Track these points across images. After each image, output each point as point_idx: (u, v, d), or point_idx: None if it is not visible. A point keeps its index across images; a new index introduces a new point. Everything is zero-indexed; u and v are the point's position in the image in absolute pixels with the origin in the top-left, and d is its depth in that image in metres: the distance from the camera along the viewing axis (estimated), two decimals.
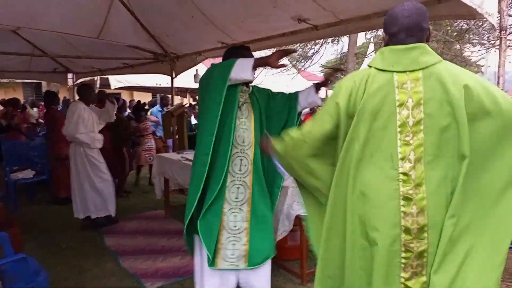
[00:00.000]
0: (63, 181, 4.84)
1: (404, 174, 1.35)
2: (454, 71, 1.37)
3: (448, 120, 1.33)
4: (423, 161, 1.34)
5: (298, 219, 2.82)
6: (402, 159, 1.35)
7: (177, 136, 5.54)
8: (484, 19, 2.41)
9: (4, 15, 3.77)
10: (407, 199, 1.34)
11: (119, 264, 3.19)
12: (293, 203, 2.89)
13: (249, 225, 2.17)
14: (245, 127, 2.24)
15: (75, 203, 4.06)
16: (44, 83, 13.22)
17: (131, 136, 5.79)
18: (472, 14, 2.44)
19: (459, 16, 2.87)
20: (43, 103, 8.59)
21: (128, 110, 8.42)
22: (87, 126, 4.04)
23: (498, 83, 2.41)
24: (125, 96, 12.43)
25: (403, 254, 1.35)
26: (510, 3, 6.95)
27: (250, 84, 2.32)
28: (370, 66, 1.45)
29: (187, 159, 3.90)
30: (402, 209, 1.34)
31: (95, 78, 8.77)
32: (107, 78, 8.86)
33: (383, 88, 1.38)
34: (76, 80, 8.16)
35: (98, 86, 9.15)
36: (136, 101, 11.18)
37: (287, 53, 2.19)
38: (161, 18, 4.30)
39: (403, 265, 1.35)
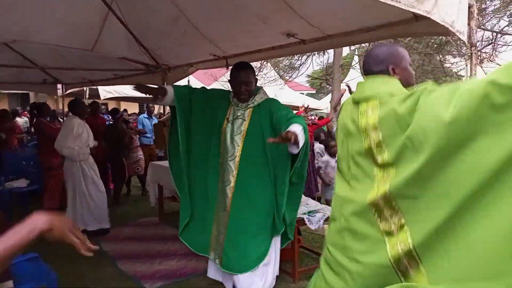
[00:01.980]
0: (52, 192, 4.93)
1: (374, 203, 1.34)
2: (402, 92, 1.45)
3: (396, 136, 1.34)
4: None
5: None
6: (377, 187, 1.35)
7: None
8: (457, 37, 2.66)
9: (1, 29, 3.89)
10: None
11: (117, 267, 3.31)
12: None
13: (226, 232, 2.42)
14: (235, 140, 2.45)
15: (68, 215, 4.15)
16: (31, 94, 13.18)
17: (129, 145, 5.92)
18: (446, 32, 2.70)
19: (435, 33, 3.14)
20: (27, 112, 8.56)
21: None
22: (81, 140, 4.17)
23: None
24: (112, 105, 12.46)
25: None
26: (481, 20, 7.37)
27: (264, 96, 2.52)
28: (352, 97, 1.60)
29: None
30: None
31: (84, 88, 8.84)
32: (96, 89, 8.95)
33: (353, 116, 1.51)
34: (65, 91, 8.23)
35: (87, 96, 9.22)
36: (123, 110, 11.24)
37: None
38: (155, 32, 4.47)
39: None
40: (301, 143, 2.13)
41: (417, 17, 2.84)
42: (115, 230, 4.32)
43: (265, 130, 2.40)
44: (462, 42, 2.77)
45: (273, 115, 2.40)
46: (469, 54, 2.79)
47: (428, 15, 2.45)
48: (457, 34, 2.56)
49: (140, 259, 3.49)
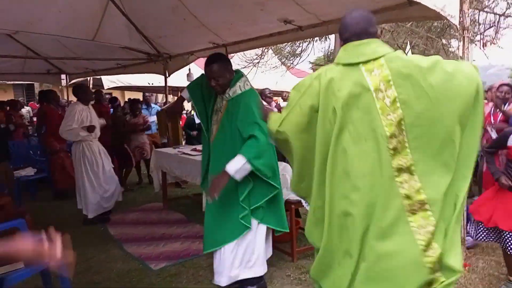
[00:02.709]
0: (59, 175, 5.10)
1: (393, 148, 1.51)
2: (406, 56, 1.61)
3: (415, 93, 1.50)
4: (404, 132, 1.51)
5: (289, 204, 3.11)
6: (390, 136, 1.51)
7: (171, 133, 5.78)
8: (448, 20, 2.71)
9: (3, 19, 3.97)
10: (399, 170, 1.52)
11: (123, 250, 3.45)
12: (283, 189, 3.18)
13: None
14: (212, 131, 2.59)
15: (78, 196, 4.28)
16: (36, 84, 13.31)
17: (130, 131, 6.02)
18: (438, 16, 2.75)
19: (428, 17, 3.17)
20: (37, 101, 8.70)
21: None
22: (84, 125, 4.22)
23: None
24: (116, 95, 12.57)
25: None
26: (480, 4, 7.31)
27: (238, 91, 2.49)
28: (337, 64, 1.64)
29: (184, 153, 4.16)
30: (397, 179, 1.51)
31: (88, 78, 8.94)
32: (100, 78, 9.04)
33: (354, 78, 1.57)
34: (69, 81, 8.34)
35: (91, 86, 9.32)
36: (126, 99, 11.34)
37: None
38: (154, 21, 4.53)
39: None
40: (238, 177, 2.28)
41: (410, 2, 2.89)
42: (120, 215, 4.46)
43: (237, 124, 2.45)
44: (454, 25, 2.78)
45: (238, 118, 2.42)
46: (471, 38, 2.82)
47: (419, 0, 2.51)
48: (448, 18, 2.61)
49: (145, 242, 3.62)
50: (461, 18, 2.70)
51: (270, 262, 3.12)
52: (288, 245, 3.27)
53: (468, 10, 2.77)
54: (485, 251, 3.37)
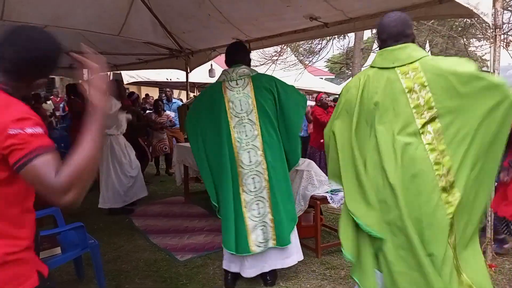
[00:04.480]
0: None
1: (429, 144, 1.64)
2: (438, 59, 1.73)
3: (448, 93, 1.62)
4: (440, 129, 1.64)
5: (313, 199, 3.13)
6: (423, 133, 1.64)
7: None
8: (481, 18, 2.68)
9: (33, 14, 4.05)
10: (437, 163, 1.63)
11: (149, 240, 3.53)
12: (308, 185, 3.21)
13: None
14: None
15: (102, 194, 4.36)
16: (57, 78, 13.53)
17: (145, 126, 6.10)
18: (470, 14, 2.73)
19: (458, 15, 3.15)
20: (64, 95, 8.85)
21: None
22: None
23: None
24: (132, 90, 12.69)
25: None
26: (509, 1, 7.17)
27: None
28: (372, 66, 1.79)
29: None
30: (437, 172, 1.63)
31: (108, 73, 9.05)
32: (120, 73, 9.16)
33: (390, 80, 1.70)
34: (90, 75, 8.47)
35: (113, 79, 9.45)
36: (144, 95, 11.48)
37: None
38: (179, 16, 4.58)
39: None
40: None
41: None
42: (143, 208, 4.54)
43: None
44: (487, 24, 2.77)
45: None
46: (493, 37, 2.79)
47: None
48: (481, 16, 2.59)
49: (169, 233, 3.69)
50: (494, 17, 2.68)
51: None
52: (312, 241, 3.30)
53: (500, 8, 2.75)
54: (510, 252, 3.34)
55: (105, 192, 4.34)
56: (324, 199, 3.14)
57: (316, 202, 3.13)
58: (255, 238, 2.56)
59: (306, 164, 3.35)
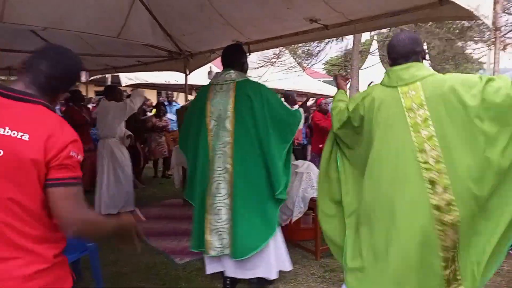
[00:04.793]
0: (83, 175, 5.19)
1: (425, 162, 1.66)
2: (442, 77, 1.78)
3: (447, 111, 1.66)
4: (437, 147, 1.66)
5: (313, 202, 3.12)
6: (420, 151, 1.67)
7: None
8: (481, 21, 2.69)
9: (33, 15, 4.04)
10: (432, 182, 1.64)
11: (148, 243, 3.51)
12: (308, 187, 3.20)
13: None
14: None
15: (97, 199, 4.35)
16: None
17: (143, 129, 6.09)
18: (470, 16, 2.72)
19: (459, 17, 3.15)
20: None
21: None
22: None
23: None
24: (130, 93, 12.67)
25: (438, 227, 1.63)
26: (506, 4, 7.20)
27: None
28: (381, 84, 1.89)
29: None
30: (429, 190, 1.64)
31: (106, 75, 9.05)
32: (118, 76, 9.14)
33: (392, 98, 1.79)
34: (89, 78, 8.45)
35: (109, 83, 9.43)
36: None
37: None
38: (179, 18, 4.57)
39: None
40: None
41: (441, 1, 2.87)
42: (142, 210, 4.49)
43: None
44: (485, 27, 2.78)
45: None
46: (492, 40, 2.79)
47: None
48: (482, 18, 2.59)
49: (168, 236, 3.67)
50: (494, 19, 2.68)
51: (294, 260, 3.14)
52: (312, 243, 3.28)
53: (500, 10, 2.75)
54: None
55: (107, 198, 4.33)
56: None
57: (316, 204, 3.11)
58: (212, 242, 2.54)
59: (306, 166, 3.35)
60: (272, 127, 2.52)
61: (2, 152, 1.03)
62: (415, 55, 1.83)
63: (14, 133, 1.03)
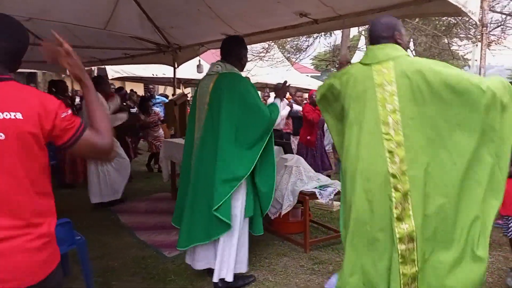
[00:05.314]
0: (73, 166, 5.14)
1: (386, 133, 1.81)
2: (414, 59, 1.93)
3: (412, 90, 1.79)
4: (399, 121, 1.80)
5: (302, 195, 3.15)
6: (383, 123, 1.81)
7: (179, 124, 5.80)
8: (468, 17, 2.73)
9: (17, 6, 3.94)
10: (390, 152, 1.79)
11: (136, 237, 3.49)
12: (297, 181, 3.22)
13: None
14: None
15: (90, 188, 4.33)
16: (39, 73, 13.23)
17: (135, 126, 6.06)
18: (458, 12, 2.76)
19: (446, 14, 3.20)
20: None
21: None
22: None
23: (480, 74, 2.75)
24: (117, 85, 12.50)
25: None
26: (491, 2, 7.31)
27: None
28: (359, 62, 2.00)
29: None
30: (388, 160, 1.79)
31: (92, 68, 8.91)
32: (104, 68, 9.00)
33: (366, 75, 1.91)
34: None
35: (95, 75, 9.29)
36: (128, 91, 11.31)
37: None
38: (167, 11, 4.52)
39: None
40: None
41: None
42: (130, 204, 4.49)
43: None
44: (471, 24, 2.83)
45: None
46: (478, 36, 2.84)
47: None
48: (469, 14, 2.62)
49: (156, 230, 3.66)
50: (481, 15, 2.72)
51: (284, 253, 3.18)
52: (301, 237, 3.31)
53: (487, 7, 2.80)
54: (492, 246, 3.41)
55: (104, 187, 4.31)
56: (313, 195, 3.16)
57: (305, 198, 3.14)
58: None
59: (295, 160, 3.37)
60: (236, 124, 2.47)
61: (3, 136, 1.06)
62: (392, 37, 1.94)
63: (6, 115, 1.06)
